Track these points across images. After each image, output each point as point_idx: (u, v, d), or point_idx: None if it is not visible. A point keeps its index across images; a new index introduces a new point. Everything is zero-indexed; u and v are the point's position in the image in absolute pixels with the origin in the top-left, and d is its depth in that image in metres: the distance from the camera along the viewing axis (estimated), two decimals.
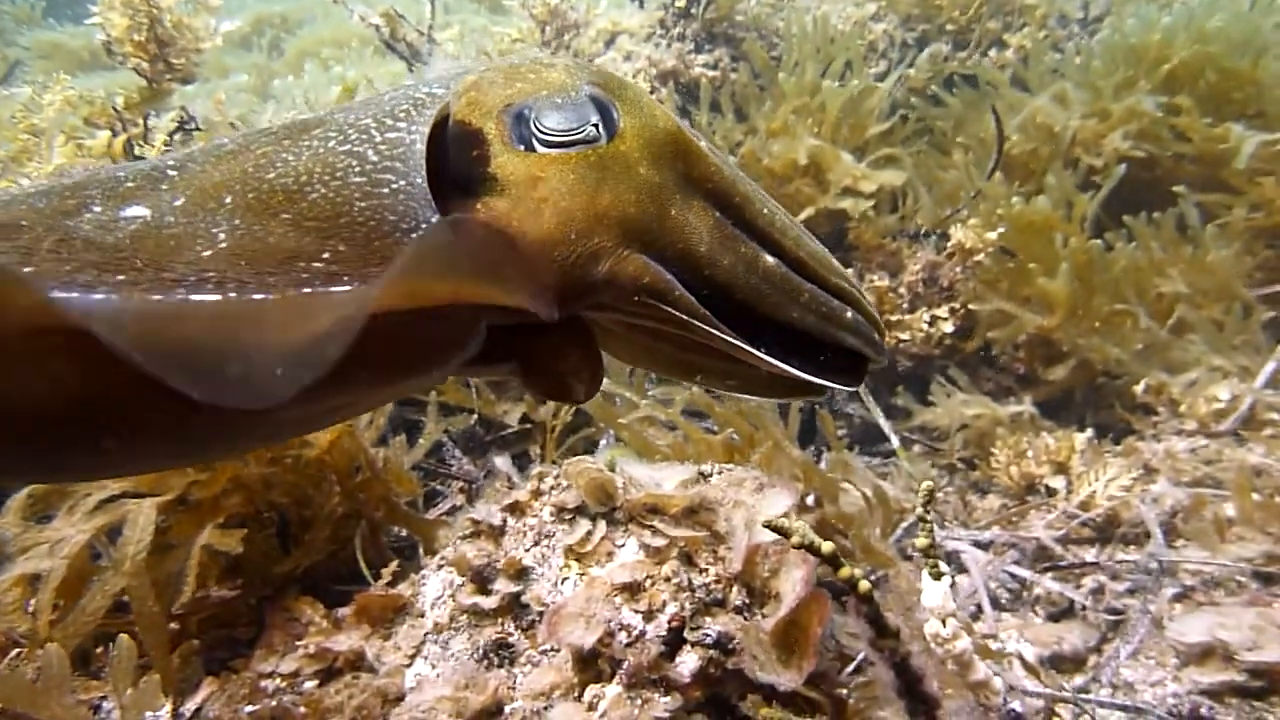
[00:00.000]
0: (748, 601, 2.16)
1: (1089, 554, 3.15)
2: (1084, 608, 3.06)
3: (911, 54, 5.63)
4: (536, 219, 1.13)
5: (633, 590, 2.14)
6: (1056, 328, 4.04)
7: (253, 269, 1.00)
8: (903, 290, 4.38)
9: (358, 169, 1.11)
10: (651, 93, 4.91)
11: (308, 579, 2.81)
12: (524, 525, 2.31)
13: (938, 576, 2.08)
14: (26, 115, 3.18)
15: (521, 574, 2.25)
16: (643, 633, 2.08)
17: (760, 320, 1.20)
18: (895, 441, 3.94)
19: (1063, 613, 3.14)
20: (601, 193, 1.15)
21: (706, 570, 2.19)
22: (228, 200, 1.07)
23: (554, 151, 1.15)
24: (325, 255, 1.04)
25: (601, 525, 2.25)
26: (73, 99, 3.57)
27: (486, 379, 3.46)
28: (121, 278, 0.94)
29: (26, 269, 0.92)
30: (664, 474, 2.40)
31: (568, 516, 2.29)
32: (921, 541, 2.02)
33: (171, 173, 1.12)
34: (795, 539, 1.90)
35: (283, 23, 8.01)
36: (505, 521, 2.33)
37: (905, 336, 4.26)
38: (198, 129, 4.04)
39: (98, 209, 1.05)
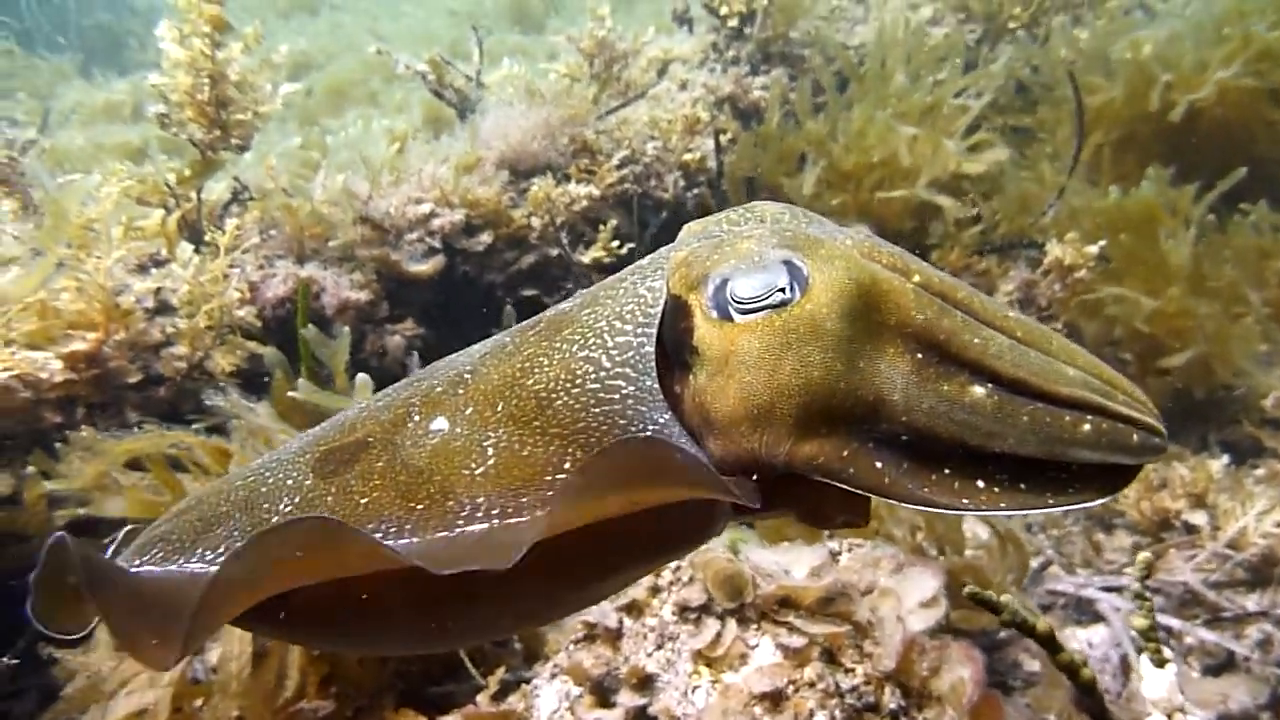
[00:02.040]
0: (903, 704, 1.93)
1: (1249, 601, 2.86)
2: (1247, 659, 2.77)
3: (975, 54, 5.36)
4: (723, 396, 1.17)
5: (775, 699, 1.92)
6: (1175, 314, 3.76)
7: (510, 489, 1.16)
8: None
9: (593, 375, 1.20)
10: (710, 120, 4.70)
11: (401, 681, 2.62)
12: (643, 627, 2.10)
13: (1161, 663, 1.82)
14: (83, 211, 3.08)
15: (646, 683, 2.04)
16: None
17: (972, 453, 1.15)
18: None
19: (1221, 666, 2.85)
20: (784, 360, 1.16)
21: (854, 670, 1.96)
22: (500, 408, 1.22)
23: (746, 320, 1.17)
24: (566, 465, 1.16)
25: (731, 624, 2.03)
26: (130, 189, 3.46)
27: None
28: (420, 508, 1.16)
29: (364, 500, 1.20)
30: (791, 558, 2.18)
31: (692, 616, 2.07)
32: (1140, 622, 1.78)
33: (468, 376, 1.27)
34: (1006, 615, 1.65)
35: (326, 79, 7.93)
36: (622, 623, 2.12)
37: None
38: (251, 198, 3.91)
39: (417, 418, 1.25)
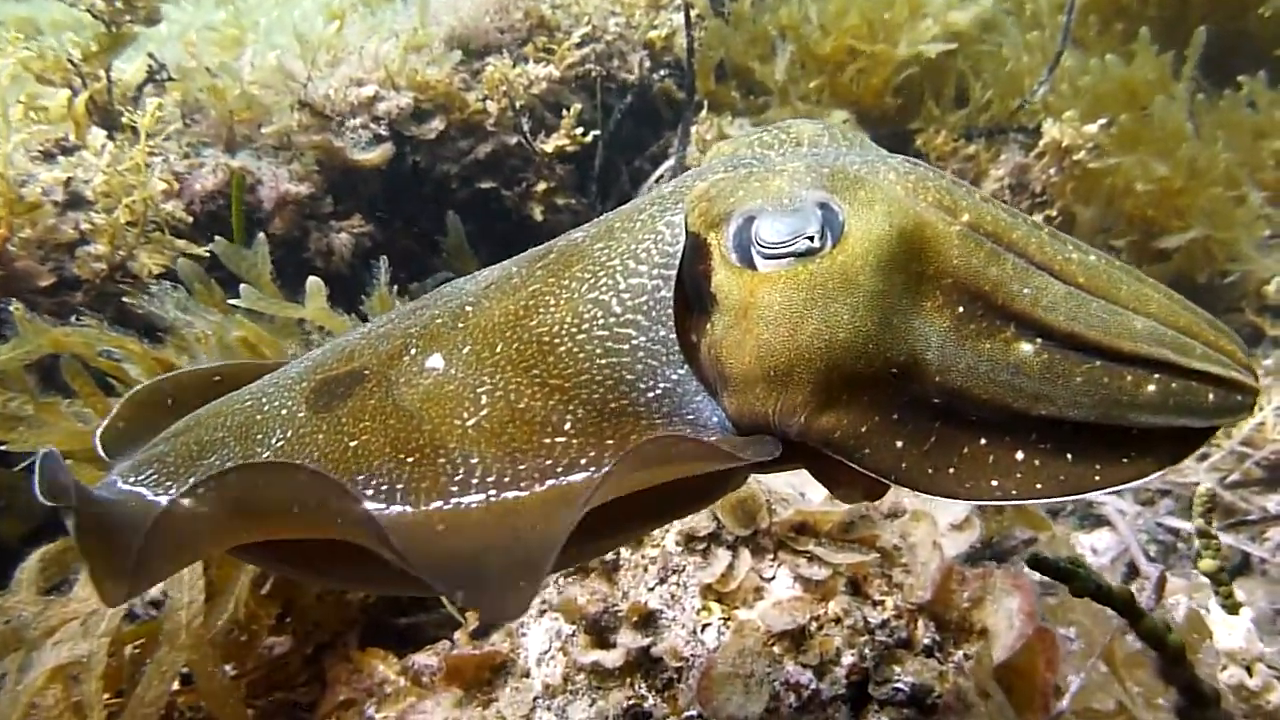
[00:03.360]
0: (939, 639, 1.73)
1: (1270, 502, 2.72)
2: (1264, 562, 2.64)
3: None
4: (739, 352, 1.07)
5: (796, 638, 1.71)
6: (1178, 192, 3.58)
7: (505, 451, 1.06)
8: None
9: (601, 321, 1.10)
10: None
11: (363, 614, 2.38)
12: (643, 558, 1.87)
13: (1234, 609, 1.64)
14: None
15: (648, 621, 1.82)
16: (817, 692, 1.66)
17: (1014, 418, 1.03)
18: None
19: (1237, 570, 2.72)
20: (808, 318, 1.04)
21: (883, 603, 1.76)
22: (499, 350, 1.12)
23: (769, 267, 1.06)
24: (566, 425, 1.06)
25: (744, 554, 1.81)
26: (29, 60, 3.02)
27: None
28: (409, 461, 1.06)
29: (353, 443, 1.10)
30: (806, 479, 1.95)
31: (699, 546, 1.84)
32: (1206, 564, 1.59)
33: (469, 309, 1.17)
34: (1079, 583, 1.44)
35: None
36: (619, 554, 1.89)
37: None
38: (170, 79, 3.48)
39: (413, 352, 1.16)
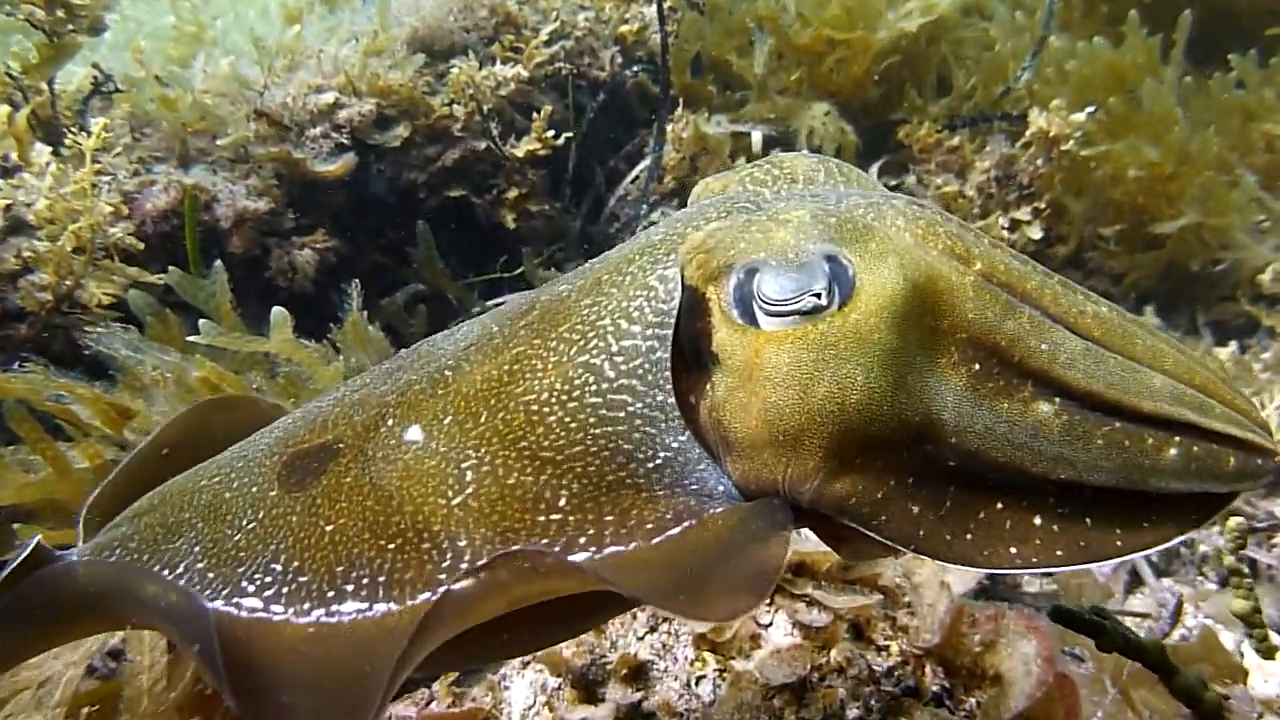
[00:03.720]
0: (947, 685, 1.62)
1: (1278, 506, 2.63)
2: (1270, 569, 2.55)
3: None
4: (744, 415, 1.00)
5: (797, 690, 1.59)
6: (1169, 177, 3.50)
7: (496, 531, 0.98)
8: (971, 193, 3.76)
9: (594, 387, 1.03)
10: None
11: None
12: None
13: (1270, 653, 1.53)
14: None
15: (639, 673, 1.70)
16: None
17: (1032, 482, 0.98)
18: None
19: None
20: (819, 379, 0.97)
21: (888, 648, 1.65)
22: (483, 420, 1.05)
23: (775, 325, 1.00)
24: (561, 501, 0.99)
25: None
26: None
27: None
28: (391, 548, 0.98)
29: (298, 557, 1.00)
30: None
31: None
32: (1239, 605, 1.47)
33: (449, 374, 1.11)
34: (1108, 639, 1.33)
35: None
36: None
37: None
38: (117, 90, 3.31)
39: (390, 423, 1.08)
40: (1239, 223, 3.55)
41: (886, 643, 1.64)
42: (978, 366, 0.99)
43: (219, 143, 3.27)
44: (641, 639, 1.72)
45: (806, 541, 1.76)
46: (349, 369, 2.56)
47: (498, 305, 1.36)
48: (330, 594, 0.96)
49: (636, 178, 3.84)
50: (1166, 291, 3.73)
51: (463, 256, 3.58)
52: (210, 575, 1.01)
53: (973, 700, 1.59)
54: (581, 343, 1.05)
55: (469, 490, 1.00)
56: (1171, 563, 2.77)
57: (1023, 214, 3.66)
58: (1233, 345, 3.24)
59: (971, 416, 0.98)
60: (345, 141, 3.33)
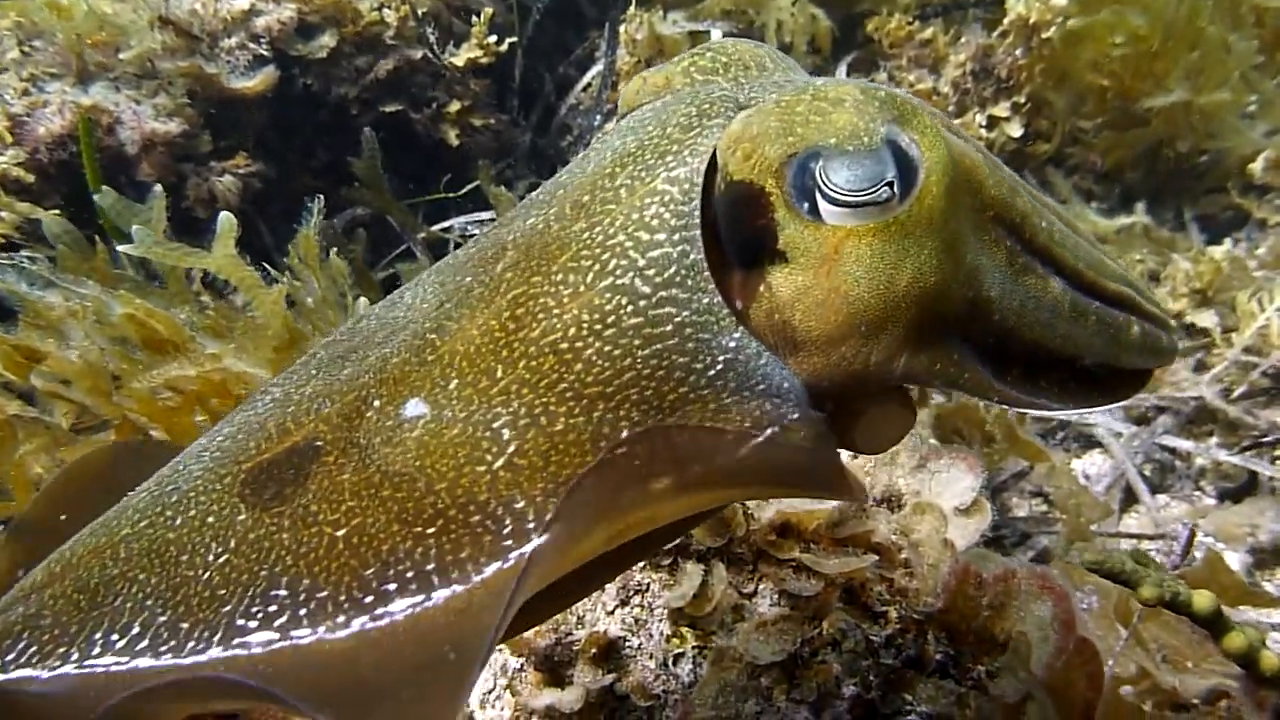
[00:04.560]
0: (952, 654, 1.46)
1: (1278, 415, 2.49)
2: (1273, 480, 2.43)
3: None
4: (823, 312, 0.97)
5: (787, 668, 1.43)
6: (1155, 54, 3.28)
7: (556, 483, 0.90)
8: (946, 89, 3.52)
9: (630, 308, 0.95)
10: None
11: None
12: None
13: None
14: None
15: (609, 652, 1.53)
16: None
17: (1046, 355, 1.03)
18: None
19: (1242, 490, 2.51)
20: (902, 268, 0.95)
21: (885, 614, 1.48)
22: (500, 375, 0.96)
23: (848, 220, 0.95)
24: (624, 433, 0.92)
25: (719, 568, 1.51)
26: None
27: None
28: (430, 533, 0.89)
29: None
30: None
31: (664, 560, 1.54)
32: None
33: (433, 338, 1.00)
34: (1148, 591, 1.18)
35: None
36: None
37: None
38: None
39: (377, 404, 0.98)
40: (1230, 104, 3.33)
41: (884, 608, 1.48)
42: (1009, 244, 1.00)
43: (121, 56, 2.93)
44: (611, 613, 1.55)
45: (790, 500, 1.58)
46: (295, 293, 2.30)
47: (442, 259, 1.17)
48: (368, 599, 0.87)
49: (588, 85, 3.54)
50: (1153, 186, 3.54)
51: (403, 178, 3.30)
52: (184, 625, 0.89)
53: (981, 669, 1.44)
54: (598, 268, 0.97)
55: (511, 450, 0.92)
56: (1166, 477, 2.64)
57: (1001, 110, 3.43)
58: (1227, 243, 3.07)
59: (1010, 293, 0.99)
60: (265, 53, 3.01)
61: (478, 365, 0.96)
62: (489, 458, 0.92)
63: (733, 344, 0.95)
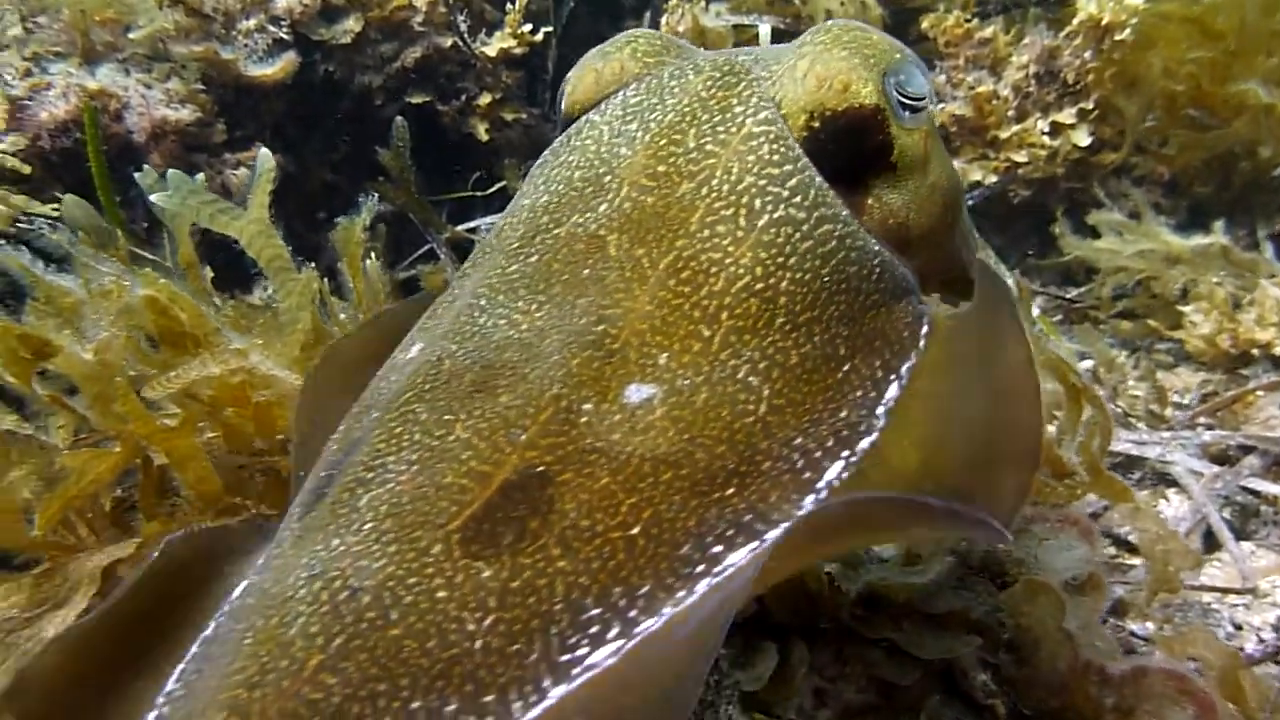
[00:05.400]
0: None
1: None
2: None
3: None
4: (930, 206, 1.13)
5: None
6: (1233, 52, 3.03)
7: (812, 410, 0.97)
8: (1006, 92, 3.30)
9: (798, 236, 1.02)
10: None
11: None
12: None
13: None
14: None
15: None
16: None
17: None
18: (1012, 285, 2.97)
19: None
20: (946, 159, 1.18)
21: (992, 708, 1.29)
22: (709, 334, 0.97)
23: (921, 123, 1.13)
24: (842, 350, 1.01)
25: (800, 648, 1.31)
26: None
27: None
28: (732, 490, 0.91)
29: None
30: None
31: (735, 636, 1.34)
32: None
33: (601, 328, 0.97)
34: None
35: None
36: None
37: (1019, 157, 3.23)
38: None
39: (589, 407, 0.93)
40: None
41: (989, 700, 1.28)
42: None
43: (130, 36, 2.73)
44: None
45: (879, 566, 1.38)
46: (324, 288, 2.05)
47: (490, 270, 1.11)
48: (700, 566, 0.86)
49: None
50: (1226, 201, 3.32)
51: (427, 174, 3.10)
52: (488, 699, 0.80)
53: None
54: (745, 211, 1.02)
55: (766, 393, 0.95)
56: (1250, 522, 2.44)
57: (1066, 116, 3.22)
58: None
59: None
60: (285, 36, 2.81)
61: (676, 334, 0.96)
62: (751, 407, 0.94)
63: (876, 247, 1.06)
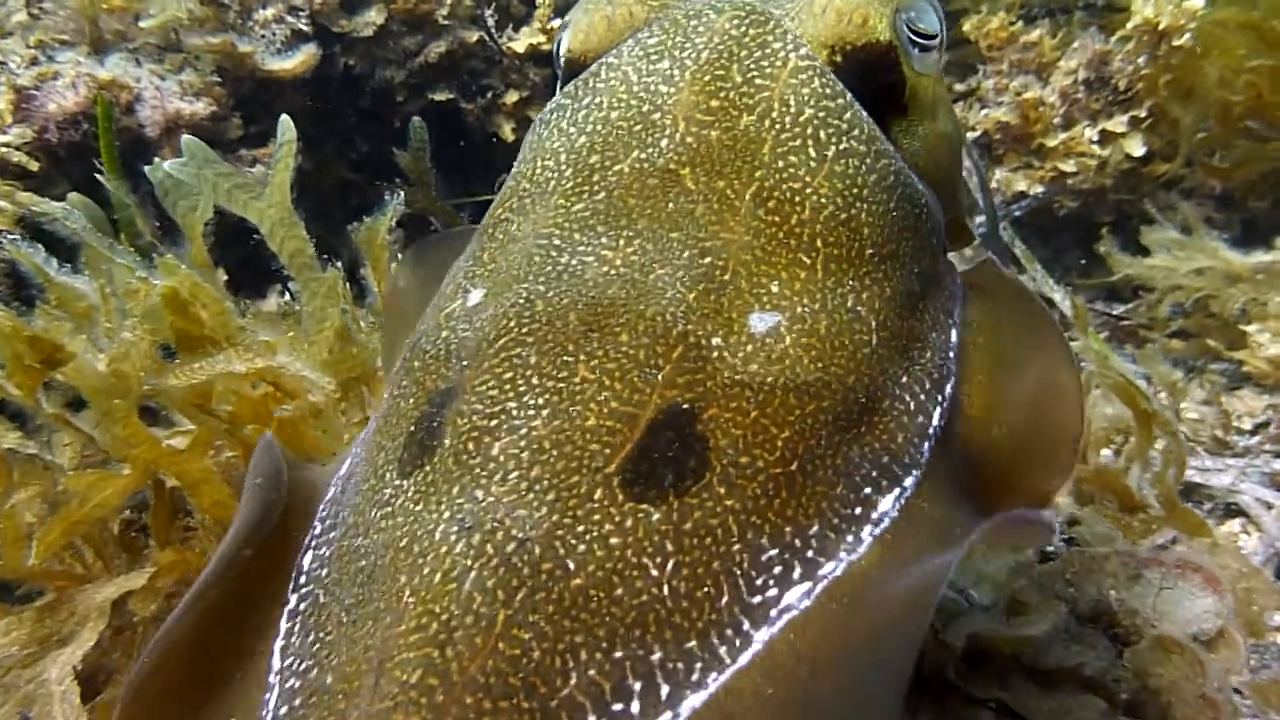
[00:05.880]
0: None
1: None
2: None
3: None
4: (941, 147, 1.15)
5: None
6: None
7: (910, 340, 0.99)
8: (1053, 98, 3.17)
9: (864, 166, 1.03)
10: None
11: None
12: None
13: None
14: None
15: None
16: None
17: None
18: (1065, 305, 2.82)
19: None
20: (953, 108, 1.26)
21: None
22: (808, 260, 0.98)
23: (931, 68, 1.14)
24: (915, 286, 1.03)
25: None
26: None
27: None
28: (871, 419, 0.93)
29: None
30: None
31: None
32: None
33: (707, 260, 0.96)
34: None
35: None
36: None
37: (1067, 166, 3.09)
38: None
39: (718, 340, 0.92)
40: None
41: None
42: None
43: (142, 24, 2.60)
44: None
45: (982, 615, 1.24)
46: (347, 298, 1.89)
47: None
48: (858, 509, 0.87)
49: None
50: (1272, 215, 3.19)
51: (449, 174, 2.96)
52: (691, 644, 0.78)
53: None
54: (813, 142, 1.02)
55: (874, 324, 0.96)
56: None
57: (1117, 124, 3.09)
58: None
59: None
60: (304, 27, 2.67)
61: (779, 261, 0.96)
62: (866, 337, 0.94)
63: (920, 186, 1.07)
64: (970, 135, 3.23)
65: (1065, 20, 3.40)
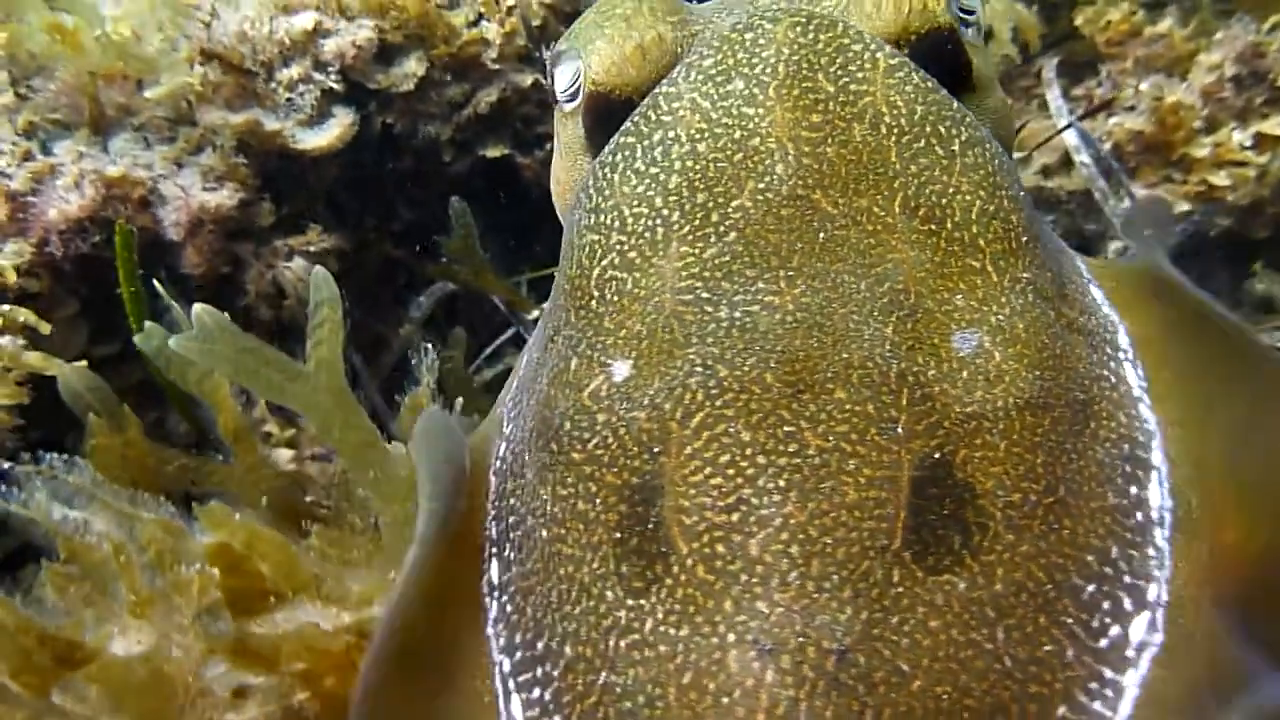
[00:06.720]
0: None
1: None
2: None
3: None
4: (1007, 125, 1.25)
5: None
6: None
7: (1099, 339, 0.99)
8: (1193, 99, 2.76)
9: (986, 155, 1.03)
10: None
11: None
12: None
13: None
14: None
15: None
16: None
17: None
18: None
19: None
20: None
21: None
22: (975, 264, 0.96)
23: (978, 39, 1.17)
24: (1051, 245, 1.09)
25: None
26: None
27: None
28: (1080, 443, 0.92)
29: None
30: None
31: None
32: None
33: (887, 285, 0.95)
34: None
35: None
36: None
37: (1218, 179, 2.68)
38: None
39: (932, 373, 0.91)
40: None
41: None
42: None
43: (147, 95, 2.22)
44: None
45: None
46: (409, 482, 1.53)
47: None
48: (1131, 536, 0.84)
49: None
50: None
51: (504, 240, 2.59)
52: (1060, 712, 0.77)
53: None
54: (936, 139, 1.01)
55: (1052, 315, 0.95)
56: None
57: (1274, 126, 2.67)
58: None
59: None
60: (334, 85, 2.28)
61: (952, 271, 0.95)
62: (1053, 328, 0.94)
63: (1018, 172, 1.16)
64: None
65: (1193, 6, 2.96)
